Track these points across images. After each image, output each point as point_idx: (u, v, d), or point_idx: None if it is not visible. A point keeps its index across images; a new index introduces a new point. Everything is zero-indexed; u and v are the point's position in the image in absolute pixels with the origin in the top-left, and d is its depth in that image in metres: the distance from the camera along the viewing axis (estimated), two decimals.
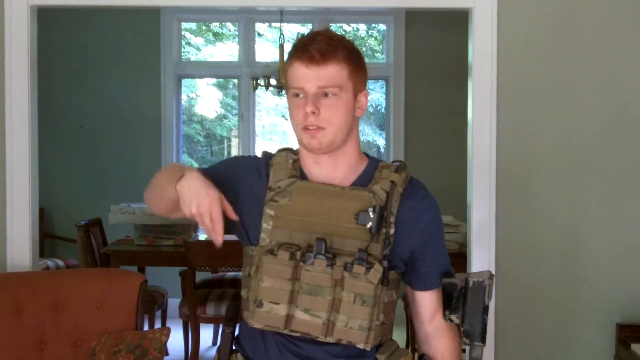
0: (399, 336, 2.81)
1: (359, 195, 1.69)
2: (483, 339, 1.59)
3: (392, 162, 1.78)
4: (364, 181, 1.75)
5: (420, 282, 1.77)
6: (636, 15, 2.90)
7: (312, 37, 1.69)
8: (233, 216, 1.65)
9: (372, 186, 1.72)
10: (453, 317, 1.63)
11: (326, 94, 1.67)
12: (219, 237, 1.59)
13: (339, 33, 6.58)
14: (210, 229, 1.59)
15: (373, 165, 1.78)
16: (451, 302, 1.63)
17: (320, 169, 1.75)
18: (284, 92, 4.89)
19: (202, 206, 1.58)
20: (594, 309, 2.93)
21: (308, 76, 1.67)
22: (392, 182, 1.71)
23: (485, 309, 1.59)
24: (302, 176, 1.76)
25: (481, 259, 2.90)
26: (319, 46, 1.66)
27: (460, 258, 3.96)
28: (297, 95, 1.69)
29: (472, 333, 1.59)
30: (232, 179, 1.77)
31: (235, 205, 1.69)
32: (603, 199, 2.93)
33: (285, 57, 1.81)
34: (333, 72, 1.67)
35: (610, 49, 2.91)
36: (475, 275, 1.59)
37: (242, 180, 1.78)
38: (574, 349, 2.93)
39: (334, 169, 1.74)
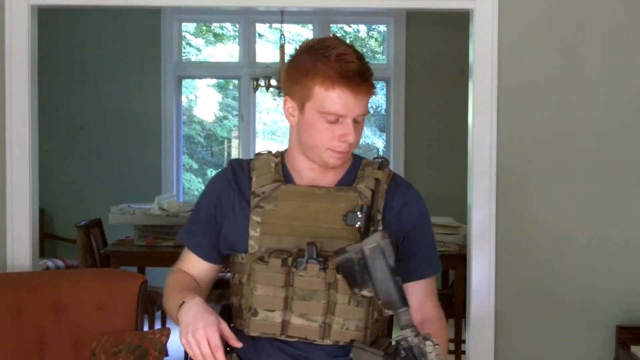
0: None
1: (345, 196, 1.69)
2: (405, 302, 1.48)
3: (374, 158, 1.78)
4: (348, 180, 1.74)
5: (404, 274, 1.72)
6: (637, 15, 2.90)
7: (354, 60, 1.62)
8: (234, 342, 1.57)
9: (357, 185, 1.72)
10: (364, 292, 1.52)
11: (357, 120, 1.66)
12: None
13: (340, 34, 6.59)
14: (209, 357, 1.50)
15: (356, 163, 1.78)
16: (355, 278, 1.52)
17: (314, 172, 1.74)
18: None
19: (196, 332, 1.50)
20: (594, 311, 2.92)
21: (352, 104, 1.63)
22: (376, 179, 1.71)
23: (393, 271, 1.47)
24: (288, 179, 1.74)
25: (481, 260, 2.89)
26: (366, 75, 1.63)
27: (460, 259, 3.96)
28: (335, 119, 1.64)
29: (392, 301, 1.47)
30: (217, 212, 1.76)
31: (223, 228, 1.72)
32: (603, 201, 2.92)
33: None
34: (368, 99, 1.67)
35: (612, 50, 2.90)
36: (369, 242, 1.48)
37: (220, 204, 1.76)
38: (574, 351, 2.93)
39: (325, 172, 1.74)
